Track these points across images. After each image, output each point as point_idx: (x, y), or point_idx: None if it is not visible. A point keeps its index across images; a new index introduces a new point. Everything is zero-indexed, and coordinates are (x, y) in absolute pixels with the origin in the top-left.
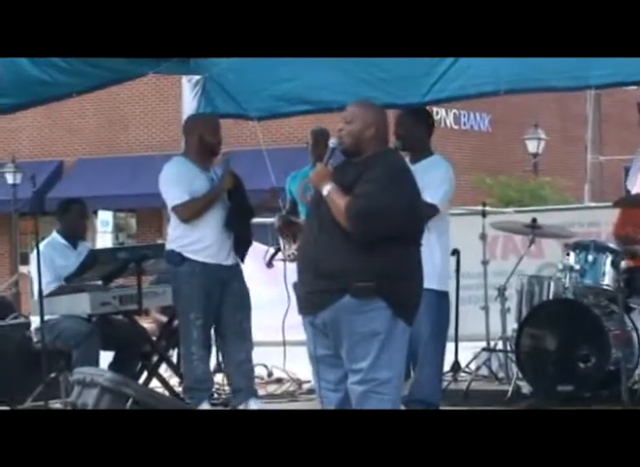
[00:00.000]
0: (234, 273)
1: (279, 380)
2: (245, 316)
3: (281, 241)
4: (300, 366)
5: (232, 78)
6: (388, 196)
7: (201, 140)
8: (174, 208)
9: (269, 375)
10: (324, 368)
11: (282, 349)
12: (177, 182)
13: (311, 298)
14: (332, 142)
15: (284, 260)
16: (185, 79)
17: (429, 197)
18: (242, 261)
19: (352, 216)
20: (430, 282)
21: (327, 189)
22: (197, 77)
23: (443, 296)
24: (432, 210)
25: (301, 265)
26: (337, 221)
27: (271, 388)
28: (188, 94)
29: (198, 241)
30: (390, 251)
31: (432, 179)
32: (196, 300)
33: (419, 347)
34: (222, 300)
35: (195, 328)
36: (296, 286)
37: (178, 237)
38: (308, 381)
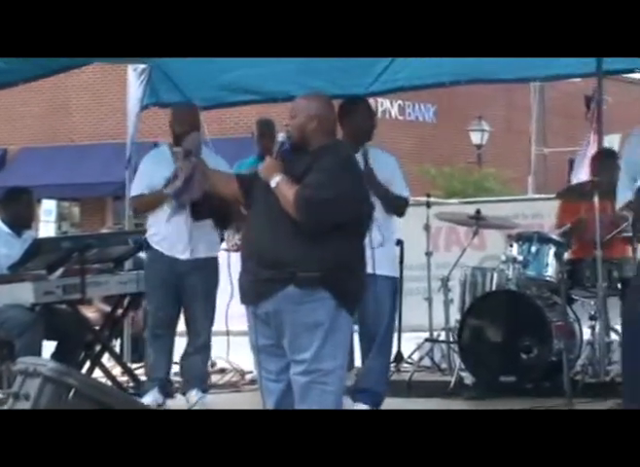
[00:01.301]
0: (193, 268)
1: (222, 371)
2: (200, 311)
3: (225, 232)
4: (243, 356)
5: (177, 67)
6: (337, 185)
7: (172, 130)
8: (130, 200)
9: (212, 365)
10: (265, 358)
11: (226, 339)
12: (139, 174)
13: (255, 287)
14: (281, 136)
15: (227, 250)
16: (130, 67)
17: (402, 190)
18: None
19: (301, 205)
20: (390, 269)
21: (276, 180)
22: (143, 66)
23: (394, 283)
24: (405, 202)
25: (245, 254)
26: (286, 211)
27: (215, 378)
28: (133, 83)
29: (156, 233)
30: (335, 242)
31: (394, 170)
32: (151, 286)
33: (372, 337)
34: (180, 293)
35: (150, 314)
36: (240, 275)
37: (148, 226)
38: (251, 372)
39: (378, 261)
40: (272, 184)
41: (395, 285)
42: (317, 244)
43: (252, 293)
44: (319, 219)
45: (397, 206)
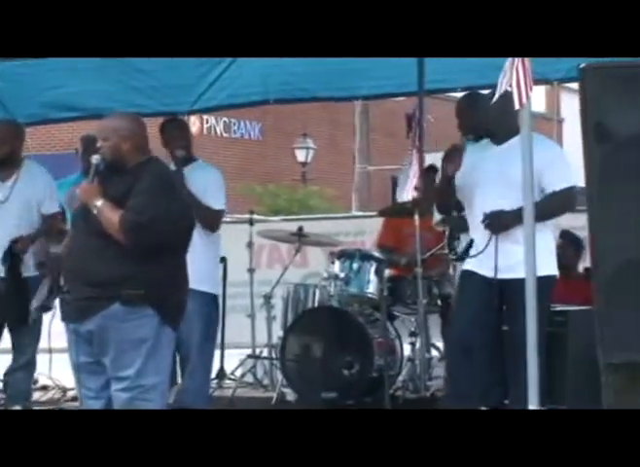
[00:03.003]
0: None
1: (44, 388)
2: (25, 328)
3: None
4: (65, 373)
5: (1, 84)
6: (159, 206)
7: None
8: None
9: (35, 382)
10: (86, 376)
11: (48, 357)
12: None
13: (79, 305)
14: (95, 158)
15: None
16: None
17: (215, 202)
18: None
19: (127, 230)
20: (207, 285)
21: (97, 205)
22: None
23: (215, 300)
24: (220, 214)
25: (67, 273)
26: (109, 233)
27: (37, 395)
28: None
29: None
30: (159, 260)
31: (210, 183)
32: None
33: (191, 353)
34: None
35: None
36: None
37: None
38: (72, 389)
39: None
40: (94, 209)
41: (212, 302)
42: (140, 262)
43: (75, 311)
44: (144, 242)
45: (205, 218)
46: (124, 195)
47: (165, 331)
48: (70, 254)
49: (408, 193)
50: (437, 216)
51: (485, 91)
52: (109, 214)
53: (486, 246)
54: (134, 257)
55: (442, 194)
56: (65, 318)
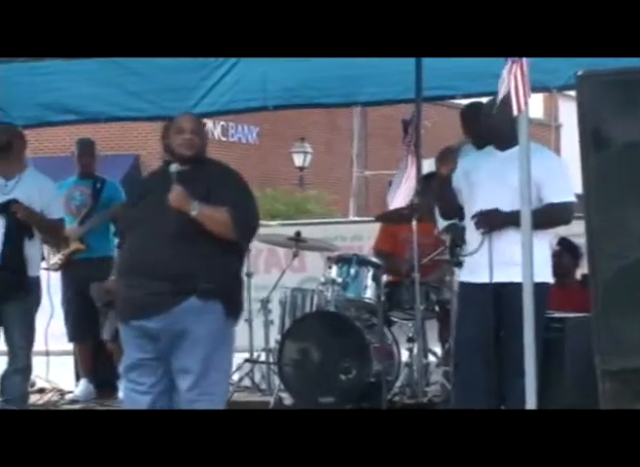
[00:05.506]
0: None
1: (42, 390)
2: (19, 331)
3: (45, 251)
4: (63, 376)
5: None
6: (255, 205)
7: None
8: None
9: (32, 385)
10: (140, 372)
11: (45, 359)
12: None
13: (149, 301)
14: (173, 167)
15: (47, 269)
16: None
17: None
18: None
19: (241, 227)
20: None
21: (195, 208)
22: None
23: None
24: None
25: (130, 270)
26: (181, 227)
27: (34, 398)
28: None
29: None
30: (231, 256)
31: None
32: None
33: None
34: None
35: None
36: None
37: None
38: (71, 391)
39: None
40: (193, 212)
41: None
42: (213, 257)
43: (144, 307)
44: (250, 238)
45: None
46: (207, 193)
47: (230, 326)
48: (134, 252)
49: (398, 199)
50: (441, 223)
51: (484, 99)
52: (214, 214)
53: (481, 245)
54: (205, 252)
55: (440, 196)
56: (128, 315)
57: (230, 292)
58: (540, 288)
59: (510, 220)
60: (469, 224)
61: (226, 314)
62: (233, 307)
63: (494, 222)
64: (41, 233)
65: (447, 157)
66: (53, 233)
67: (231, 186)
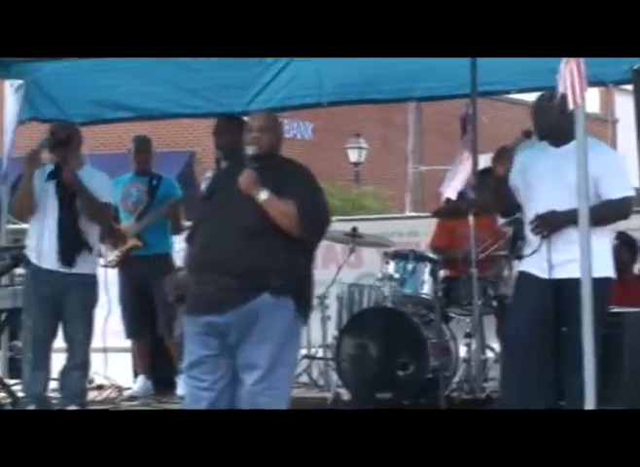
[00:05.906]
0: (71, 281)
1: (100, 387)
2: (78, 327)
3: (102, 248)
4: (121, 372)
5: (54, 83)
6: (324, 201)
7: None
8: None
9: (90, 381)
10: (204, 368)
11: (103, 356)
12: None
13: (220, 296)
14: (250, 149)
15: (105, 266)
16: (7, 83)
17: None
18: (69, 265)
19: (306, 219)
20: None
21: (263, 195)
22: (20, 81)
23: None
24: None
25: (200, 265)
26: (253, 221)
27: (93, 394)
28: (9, 99)
29: (34, 248)
30: (303, 253)
31: None
32: (29, 302)
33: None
34: (58, 309)
35: (28, 330)
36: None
37: (27, 241)
38: (129, 388)
39: None
40: (262, 197)
41: None
42: (284, 253)
43: (215, 302)
44: (318, 235)
45: None
46: (277, 190)
47: (299, 323)
48: (204, 247)
49: (450, 189)
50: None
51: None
52: (281, 205)
53: (540, 245)
54: (277, 248)
55: (497, 195)
56: (199, 311)
57: (301, 288)
58: (602, 283)
59: (568, 219)
60: (527, 222)
61: (297, 311)
62: (304, 304)
63: (553, 225)
64: (88, 213)
65: (503, 156)
66: (100, 216)
67: (299, 181)
